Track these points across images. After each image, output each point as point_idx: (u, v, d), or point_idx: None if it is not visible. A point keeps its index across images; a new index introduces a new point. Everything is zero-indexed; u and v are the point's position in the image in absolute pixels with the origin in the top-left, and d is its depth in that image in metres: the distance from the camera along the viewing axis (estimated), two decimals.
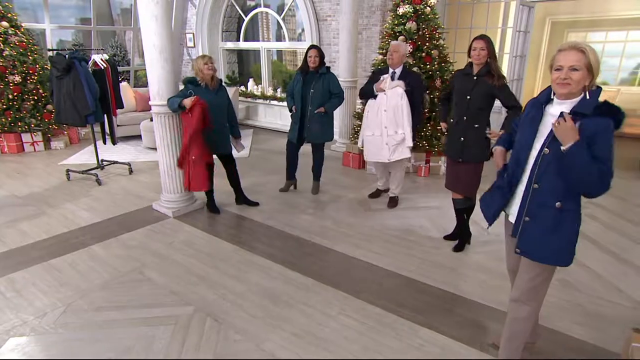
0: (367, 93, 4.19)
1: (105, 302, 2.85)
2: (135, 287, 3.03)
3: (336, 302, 2.86)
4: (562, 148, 1.70)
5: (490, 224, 2.18)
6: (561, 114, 1.74)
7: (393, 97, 3.98)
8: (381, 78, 4.08)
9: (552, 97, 1.86)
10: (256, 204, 4.58)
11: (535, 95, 2.00)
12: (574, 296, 2.94)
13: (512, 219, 2.01)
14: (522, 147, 1.94)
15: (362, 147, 4.38)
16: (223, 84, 4.16)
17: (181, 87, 4.09)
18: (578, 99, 1.76)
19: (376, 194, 4.78)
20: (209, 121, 3.85)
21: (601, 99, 1.75)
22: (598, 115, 1.70)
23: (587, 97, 1.73)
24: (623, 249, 3.61)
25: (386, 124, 4.04)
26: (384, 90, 4.01)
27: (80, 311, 2.75)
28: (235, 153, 4.37)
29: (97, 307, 2.79)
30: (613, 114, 1.71)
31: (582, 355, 2.38)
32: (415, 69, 5.41)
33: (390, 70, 4.13)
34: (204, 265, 3.35)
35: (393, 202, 4.55)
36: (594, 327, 2.60)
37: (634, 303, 2.86)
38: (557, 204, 1.82)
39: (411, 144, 4.09)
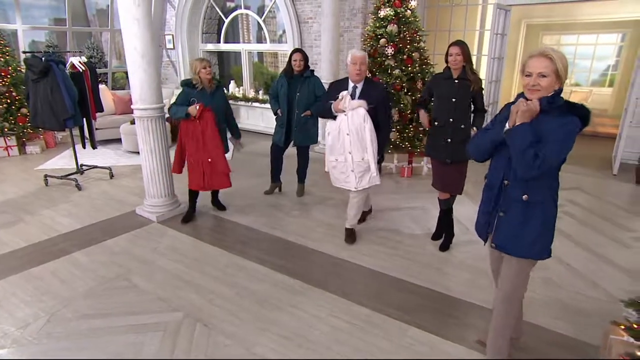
0: (325, 113, 3.56)
1: (91, 310, 2.80)
2: (121, 294, 2.98)
3: (325, 304, 2.88)
4: (506, 126, 1.87)
5: (485, 239, 2.21)
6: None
7: (355, 118, 3.35)
8: (339, 96, 3.38)
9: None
10: (224, 208, 4.56)
11: (512, 96, 2.06)
12: (554, 292, 3.04)
13: (485, 215, 2.13)
14: (504, 149, 1.97)
15: (327, 170, 3.74)
16: (221, 85, 4.15)
17: (176, 90, 4.05)
18: None
19: (352, 234, 3.83)
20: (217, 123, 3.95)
21: (576, 99, 1.87)
22: (564, 114, 1.82)
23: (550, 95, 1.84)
24: (599, 245, 3.75)
25: (350, 149, 3.42)
26: (344, 111, 3.38)
27: (64, 320, 2.69)
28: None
29: (82, 316, 2.73)
30: (576, 110, 1.82)
31: (564, 348, 2.47)
32: (396, 71, 5.49)
33: (351, 84, 3.47)
34: (191, 270, 3.32)
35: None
36: (574, 322, 2.70)
37: (610, 297, 2.98)
38: (524, 196, 1.92)
39: (375, 174, 3.49)
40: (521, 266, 2.05)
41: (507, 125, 1.93)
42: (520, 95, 1.96)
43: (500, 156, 2.02)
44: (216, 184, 4.09)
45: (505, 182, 1.97)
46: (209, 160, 3.95)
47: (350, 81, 3.48)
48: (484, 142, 2.07)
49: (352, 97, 3.43)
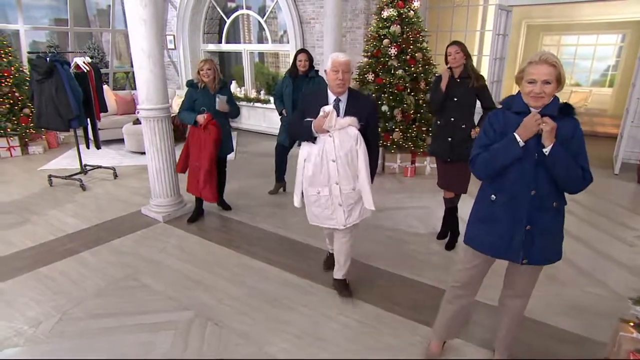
0: (301, 135, 2.74)
1: (102, 309, 2.82)
2: (131, 294, 3.00)
3: (334, 303, 2.90)
4: (545, 150, 1.79)
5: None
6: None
7: (344, 140, 2.62)
8: (321, 111, 2.58)
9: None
10: (229, 208, 4.58)
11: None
12: (558, 289, 3.07)
13: (512, 233, 1.95)
14: (525, 157, 1.85)
15: (301, 205, 2.93)
16: (225, 85, 4.11)
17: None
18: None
19: (332, 260, 3.20)
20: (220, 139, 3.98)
21: (576, 99, 1.86)
22: (564, 116, 1.81)
23: (551, 102, 1.82)
24: (602, 244, 3.79)
25: (337, 179, 2.68)
26: (329, 132, 2.60)
27: (76, 319, 2.71)
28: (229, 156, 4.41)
29: (93, 315, 2.75)
30: (572, 110, 1.83)
31: (569, 345, 2.50)
32: (400, 71, 5.52)
33: (332, 97, 2.67)
34: (199, 270, 3.34)
35: (346, 289, 3.01)
36: (579, 318, 2.74)
37: (614, 294, 3.02)
38: (554, 204, 1.89)
39: (373, 207, 2.75)
40: (537, 270, 2.06)
41: (518, 138, 1.80)
42: (518, 100, 1.87)
43: (520, 167, 1.86)
44: (204, 194, 4.03)
45: (533, 192, 1.86)
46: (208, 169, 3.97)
47: (330, 93, 2.68)
48: (493, 165, 1.90)
49: (337, 112, 2.64)
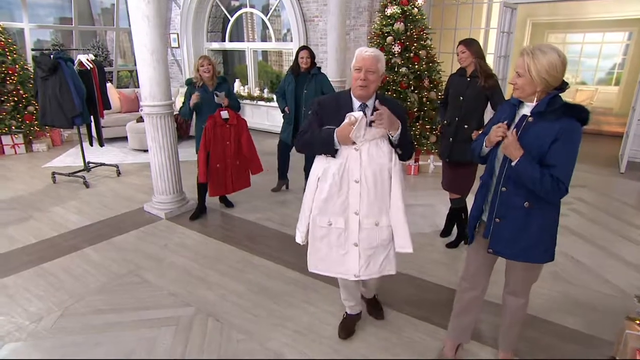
0: (317, 146, 2.17)
1: (104, 305, 2.81)
2: (133, 290, 2.99)
3: (337, 300, 2.86)
4: (512, 164, 1.77)
5: (471, 241, 2.12)
6: (522, 118, 1.80)
7: (375, 156, 2.10)
8: (347, 117, 2.07)
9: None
10: (232, 205, 4.58)
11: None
12: (564, 287, 3.04)
13: (485, 219, 2.02)
14: (493, 157, 1.92)
15: (305, 241, 2.37)
16: (225, 81, 4.11)
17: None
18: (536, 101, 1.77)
19: (350, 325, 2.58)
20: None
21: (581, 98, 1.81)
22: (565, 116, 1.70)
23: (541, 99, 1.74)
24: (608, 242, 3.75)
25: (357, 208, 2.14)
26: (354, 143, 2.08)
27: (78, 315, 2.71)
28: None
29: (95, 310, 2.75)
30: (576, 112, 1.70)
31: (576, 343, 2.47)
32: (403, 69, 5.49)
33: (357, 103, 2.14)
34: (201, 267, 3.33)
35: (379, 309, 2.73)
36: (585, 317, 2.71)
37: (620, 293, 2.98)
38: (526, 203, 1.83)
39: (410, 248, 2.22)
40: (528, 269, 2.01)
41: (484, 143, 1.92)
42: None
43: (491, 160, 1.93)
44: (242, 185, 4.24)
45: (503, 188, 1.86)
46: (237, 162, 4.08)
47: (353, 97, 2.16)
48: (475, 149, 2.05)
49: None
